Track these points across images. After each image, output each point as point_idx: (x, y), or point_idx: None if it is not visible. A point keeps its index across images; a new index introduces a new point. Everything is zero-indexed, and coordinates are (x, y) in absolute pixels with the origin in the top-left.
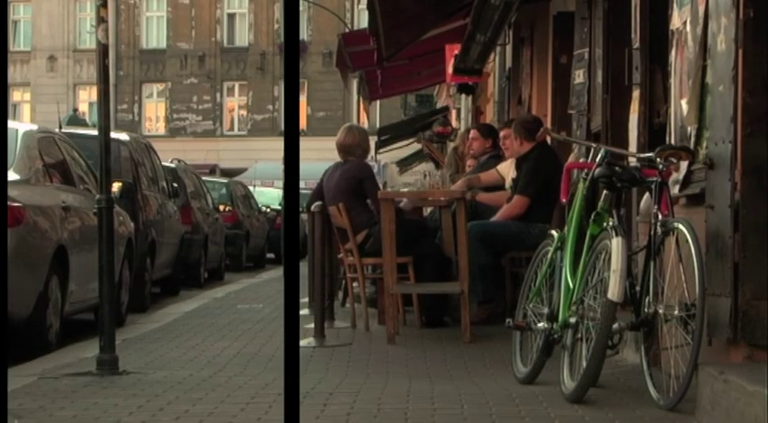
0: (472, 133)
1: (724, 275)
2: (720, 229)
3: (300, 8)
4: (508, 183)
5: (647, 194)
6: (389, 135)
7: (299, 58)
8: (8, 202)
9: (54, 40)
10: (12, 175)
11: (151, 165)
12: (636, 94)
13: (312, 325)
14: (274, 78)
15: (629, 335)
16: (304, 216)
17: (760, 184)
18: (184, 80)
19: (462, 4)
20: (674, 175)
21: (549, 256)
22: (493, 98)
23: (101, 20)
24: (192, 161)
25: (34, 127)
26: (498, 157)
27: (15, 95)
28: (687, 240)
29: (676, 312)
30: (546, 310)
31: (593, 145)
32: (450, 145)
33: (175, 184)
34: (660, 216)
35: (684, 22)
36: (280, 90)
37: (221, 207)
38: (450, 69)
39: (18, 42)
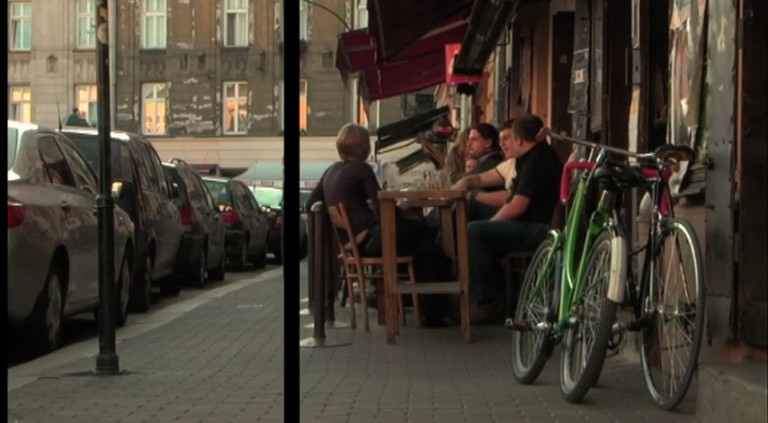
0: (472, 133)
1: (724, 275)
2: (720, 229)
3: (300, 8)
4: (508, 183)
5: (647, 194)
6: (389, 135)
7: (299, 58)
8: (8, 202)
9: (54, 40)
10: (12, 175)
11: (151, 165)
12: (636, 94)
13: (312, 325)
14: (274, 78)
15: (629, 335)
16: (304, 216)
17: (760, 184)
18: (184, 80)
19: (462, 4)
20: (674, 175)
21: (549, 256)
22: (493, 98)
23: (101, 20)
24: (192, 161)
25: (34, 127)
26: (498, 157)
27: (15, 95)
28: (687, 240)
29: (676, 312)
30: (546, 310)
31: (593, 145)
32: (451, 145)
33: (175, 184)
34: (660, 216)
35: (684, 22)
36: (280, 90)
37: (221, 207)
38: (450, 69)
39: (18, 42)
